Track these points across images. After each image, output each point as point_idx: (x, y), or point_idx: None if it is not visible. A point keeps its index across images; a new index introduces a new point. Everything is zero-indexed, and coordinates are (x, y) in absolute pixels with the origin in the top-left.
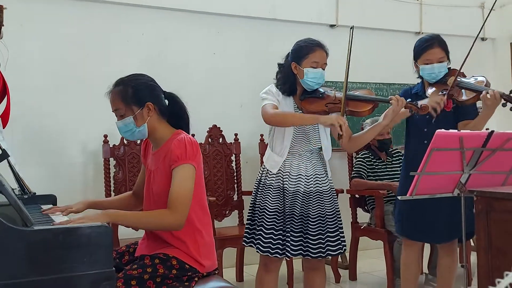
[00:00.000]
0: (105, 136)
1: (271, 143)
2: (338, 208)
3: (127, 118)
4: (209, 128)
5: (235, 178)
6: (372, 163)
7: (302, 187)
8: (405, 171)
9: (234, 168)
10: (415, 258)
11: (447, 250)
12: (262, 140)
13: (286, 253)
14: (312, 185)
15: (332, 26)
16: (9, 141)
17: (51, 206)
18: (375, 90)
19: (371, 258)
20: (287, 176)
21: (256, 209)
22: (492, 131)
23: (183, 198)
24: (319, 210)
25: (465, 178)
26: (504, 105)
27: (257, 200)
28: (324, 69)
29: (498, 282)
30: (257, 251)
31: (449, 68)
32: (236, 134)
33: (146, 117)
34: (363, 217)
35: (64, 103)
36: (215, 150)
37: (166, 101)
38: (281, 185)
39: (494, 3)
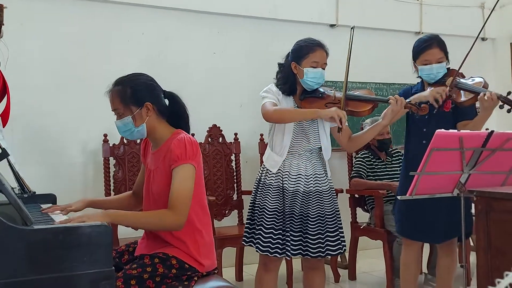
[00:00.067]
0: (105, 135)
1: (270, 143)
2: (338, 208)
3: (125, 118)
4: (209, 127)
5: (235, 177)
6: (372, 163)
7: (302, 186)
8: (404, 171)
9: (234, 167)
10: (414, 257)
11: (447, 250)
12: (262, 140)
13: (286, 252)
14: (311, 185)
15: (332, 26)
16: (9, 140)
17: (50, 205)
18: (375, 90)
19: (371, 258)
20: (286, 176)
21: (256, 208)
22: (492, 131)
23: (183, 198)
24: (319, 210)
25: (465, 178)
26: (501, 107)
27: (257, 200)
28: (324, 69)
29: (498, 282)
30: (256, 251)
31: (448, 69)
32: (236, 134)
33: (145, 117)
34: (363, 217)
35: (64, 103)
36: (215, 150)
37: (166, 101)
38: (281, 185)
39: (496, 3)
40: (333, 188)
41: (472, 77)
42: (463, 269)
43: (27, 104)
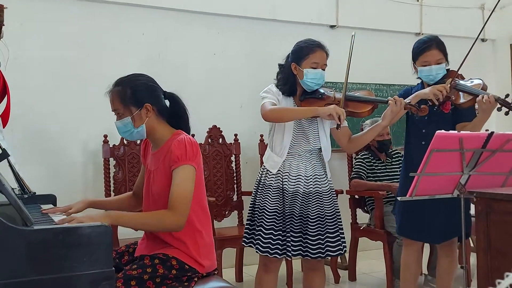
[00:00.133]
0: (105, 136)
1: (270, 143)
2: (338, 208)
3: (125, 118)
4: (209, 128)
5: (235, 178)
6: (372, 163)
7: (302, 187)
8: (404, 172)
9: (234, 168)
10: (415, 258)
11: (447, 251)
12: (262, 141)
13: (286, 253)
14: (311, 186)
15: (332, 26)
16: (9, 140)
17: (51, 206)
18: (375, 91)
19: (371, 259)
20: (286, 177)
21: (256, 209)
22: (492, 132)
23: (183, 199)
24: (319, 211)
25: (465, 179)
26: (499, 109)
27: (257, 200)
28: (324, 70)
29: (499, 283)
30: (256, 251)
31: (447, 70)
32: (236, 135)
33: (144, 118)
34: (363, 218)
35: (64, 103)
36: (215, 151)
37: (167, 102)
38: (281, 186)
39: (496, 4)
40: (333, 189)
41: (471, 78)
42: (463, 270)
43: (27, 104)
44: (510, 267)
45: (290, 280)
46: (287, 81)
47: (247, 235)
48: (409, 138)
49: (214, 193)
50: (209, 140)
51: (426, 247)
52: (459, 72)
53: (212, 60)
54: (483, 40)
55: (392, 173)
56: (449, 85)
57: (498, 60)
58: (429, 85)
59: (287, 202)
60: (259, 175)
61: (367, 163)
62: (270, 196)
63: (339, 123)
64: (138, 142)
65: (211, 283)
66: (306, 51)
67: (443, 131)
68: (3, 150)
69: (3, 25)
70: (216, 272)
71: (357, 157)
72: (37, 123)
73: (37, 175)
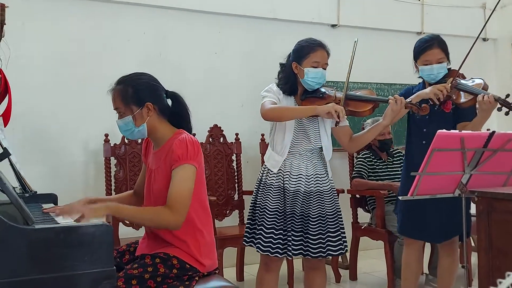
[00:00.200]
0: (106, 135)
1: (272, 142)
2: (339, 208)
3: (126, 117)
4: (210, 127)
5: (236, 177)
6: (373, 163)
7: (303, 186)
8: (405, 171)
9: (235, 167)
10: (416, 257)
11: (448, 250)
12: (263, 140)
13: (287, 252)
14: (312, 185)
15: (333, 26)
16: (10, 139)
17: (52, 205)
18: (376, 90)
19: (372, 258)
20: (287, 176)
21: (257, 208)
22: (493, 132)
23: (182, 198)
24: (320, 210)
25: (466, 179)
26: (499, 109)
27: (258, 200)
28: (325, 69)
29: (500, 282)
30: (257, 251)
31: (449, 69)
32: (237, 134)
33: (146, 117)
34: (364, 217)
35: (65, 102)
36: (216, 150)
37: (169, 101)
38: (282, 185)
39: (497, 4)
40: (334, 188)
41: (472, 78)
42: (465, 270)
43: (28, 103)
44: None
45: (291, 280)
46: (288, 80)
47: (247, 235)
48: (410, 138)
49: (215, 192)
50: (210, 140)
51: (427, 247)
52: (460, 72)
53: (212, 59)
54: (484, 39)
55: (393, 173)
56: (449, 85)
57: (499, 60)
58: (430, 84)
59: (288, 201)
60: (260, 175)
61: (368, 163)
62: (271, 195)
63: (338, 120)
64: (139, 141)
65: (212, 282)
66: (307, 50)
67: (444, 130)
68: (4, 149)
69: (4, 24)
70: (217, 272)
71: (358, 156)
72: (38, 122)
73: (38, 174)
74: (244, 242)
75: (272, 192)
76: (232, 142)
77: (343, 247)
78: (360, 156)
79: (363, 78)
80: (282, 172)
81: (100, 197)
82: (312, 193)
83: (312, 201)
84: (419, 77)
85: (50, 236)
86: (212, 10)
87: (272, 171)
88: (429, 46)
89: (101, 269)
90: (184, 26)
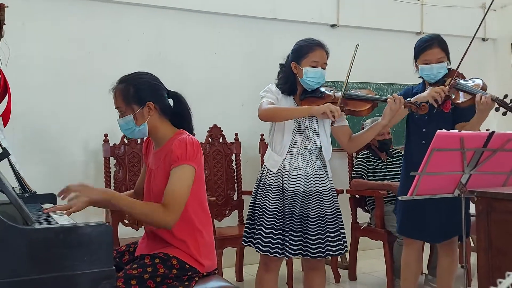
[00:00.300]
0: (106, 135)
1: (271, 143)
2: (339, 208)
3: (127, 116)
4: (209, 127)
5: (235, 177)
6: (372, 163)
7: (302, 186)
8: (405, 171)
9: (234, 167)
10: (415, 257)
11: (447, 250)
12: (262, 140)
13: (286, 252)
14: (311, 185)
15: (333, 26)
16: (9, 139)
17: (51, 205)
18: (375, 90)
19: (371, 259)
20: (286, 176)
21: (256, 208)
22: (493, 132)
23: (177, 198)
24: (319, 210)
25: (466, 179)
26: (497, 109)
27: (257, 200)
28: (324, 69)
29: (500, 282)
30: (256, 251)
31: (449, 69)
32: (236, 134)
33: (147, 116)
34: (363, 217)
35: (65, 102)
36: (216, 150)
37: (171, 101)
38: (281, 185)
39: (491, 4)
40: (333, 188)
41: (472, 78)
42: (464, 270)
43: (28, 103)
44: (511, 266)
45: (291, 280)
46: (287, 80)
47: (246, 235)
48: (409, 138)
49: (215, 192)
50: (210, 140)
51: (427, 247)
52: (459, 72)
53: (212, 59)
54: (484, 39)
55: (393, 173)
56: (447, 87)
57: (499, 60)
58: (430, 84)
59: (287, 201)
60: (260, 175)
61: (367, 163)
62: (270, 195)
63: (333, 119)
64: (139, 141)
65: (212, 283)
66: (306, 50)
67: (443, 130)
68: (4, 149)
69: (4, 24)
70: (216, 272)
71: (357, 156)
72: (38, 122)
73: (37, 174)
74: (243, 242)
75: (271, 192)
76: (231, 142)
77: (342, 247)
78: (360, 156)
79: (362, 78)
80: (281, 172)
81: None
82: (311, 193)
83: (311, 201)
84: (420, 77)
85: (49, 236)
86: (212, 10)
87: (271, 171)
88: (429, 46)
89: (101, 269)
90: (184, 26)
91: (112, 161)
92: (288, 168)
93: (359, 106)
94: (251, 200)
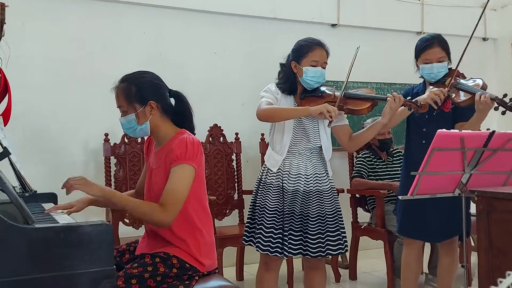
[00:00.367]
0: (106, 134)
1: (271, 142)
2: (339, 207)
3: (129, 115)
4: (210, 127)
5: (236, 177)
6: (373, 162)
7: (302, 186)
8: (405, 171)
9: (235, 167)
10: (415, 257)
11: (447, 250)
12: (262, 139)
13: (286, 252)
14: (311, 185)
15: (333, 25)
16: (10, 139)
17: (52, 204)
18: (376, 90)
19: (371, 258)
20: (286, 175)
21: (257, 208)
22: (493, 131)
23: (176, 197)
24: (319, 210)
25: (466, 178)
26: (496, 108)
27: (258, 199)
28: (324, 68)
29: (500, 282)
30: (257, 250)
31: (450, 69)
32: (236, 133)
33: (148, 115)
34: (364, 216)
35: (65, 102)
36: (216, 149)
37: (172, 100)
38: (281, 184)
39: (486, 3)
40: (334, 187)
41: (472, 78)
42: (464, 269)
43: (28, 103)
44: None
45: (291, 279)
46: (288, 80)
47: (247, 234)
48: (409, 137)
49: (215, 191)
50: (210, 139)
51: (427, 246)
52: (460, 71)
53: (213, 59)
54: (484, 39)
55: (393, 172)
56: (446, 89)
57: (499, 59)
58: (430, 84)
59: (286, 201)
60: (260, 174)
61: (368, 162)
62: (271, 194)
63: (330, 119)
64: (139, 140)
65: (212, 282)
66: (306, 49)
67: (444, 130)
68: (4, 148)
69: (4, 23)
70: (217, 271)
71: (358, 156)
72: (38, 121)
73: (38, 174)
74: (243, 242)
75: (271, 192)
76: (232, 142)
77: (342, 246)
78: (360, 155)
79: (363, 78)
80: (281, 172)
81: None
82: (312, 193)
83: (311, 201)
84: (420, 77)
85: (50, 235)
86: (213, 9)
87: (271, 171)
88: (430, 45)
89: (101, 268)
90: (185, 25)
91: (113, 160)
92: (288, 167)
93: (358, 105)
94: (252, 200)
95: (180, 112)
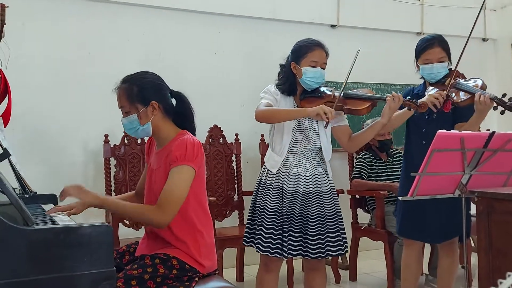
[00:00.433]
0: (106, 135)
1: (271, 143)
2: (339, 208)
3: (131, 115)
4: (209, 128)
5: (236, 178)
6: (373, 163)
7: (301, 187)
8: (405, 172)
9: (235, 168)
10: (415, 258)
11: (448, 251)
12: (262, 140)
13: (285, 253)
14: (311, 186)
15: (333, 26)
16: (10, 140)
17: (52, 205)
18: (376, 91)
19: (371, 259)
20: (286, 176)
21: (257, 208)
22: (493, 132)
23: (173, 198)
24: (319, 211)
25: (466, 179)
26: (495, 108)
27: (258, 200)
28: (323, 69)
29: (500, 282)
30: (257, 251)
31: (450, 69)
32: (236, 134)
33: (150, 115)
34: (364, 217)
35: (65, 103)
36: (216, 150)
37: (174, 100)
38: (280, 185)
39: (483, 4)
40: (334, 188)
41: (472, 78)
42: (464, 270)
43: (28, 104)
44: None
45: (291, 280)
46: (287, 80)
47: (247, 235)
48: (409, 138)
49: (215, 193)
50: (210, 140)
51: (427, 247)
52: (460, 72)
53: (212, 59)
54: (484, 39)
55: (393, 173)
56: (445, 92)
57: (499, 60)
58: (430, 84)
59: (286, 201)
60: (260, 175)
61: (368, 163)
62: (270, 195)
63: (326, 121)
64: (139, 141)
65: (212, 283)
66: (305, 50)
67: (444, 130)
68: (4, 149)
69: (5, 24)
70: (216, 272)
71: (358, 156)
72: (37, 122)
73: (38, 175)
74: (244, 243)
75: (271, 193)
76: (232, 143)
77: (342, 247)
78: (360, 156)
79: (363, 79)
80: (281, 172)
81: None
82: (311, 194)
83: (311, 202)
84: (421, 77)
85: (49, 236)
86: (212, 10)
87: (271, 171)
88: (430, 45)
89: (101, 269)
90: (184, 26)
91: (113, 161)
92: (288, 168)
93: (358, 105)
94: (252, 201)
95: (181, 113)
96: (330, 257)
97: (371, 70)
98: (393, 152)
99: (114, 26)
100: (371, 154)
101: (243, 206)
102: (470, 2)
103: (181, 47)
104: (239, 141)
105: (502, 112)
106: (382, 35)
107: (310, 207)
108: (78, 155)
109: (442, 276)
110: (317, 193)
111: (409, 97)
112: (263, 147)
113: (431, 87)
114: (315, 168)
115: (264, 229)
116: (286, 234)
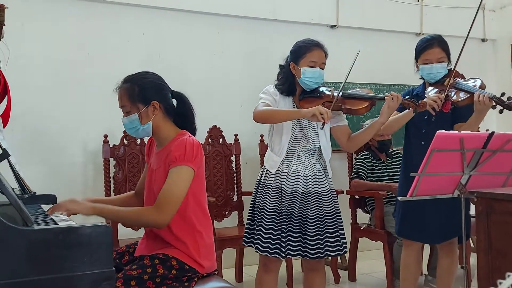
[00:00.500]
0: (105, 136)
1: (270, 143)
2: (339, 209)
3: (132, 115)
4: (209, 128)
5: (235, 178)
6: (372, 164)
7: (301, 187)
8: (404, 172)
9: (234, 168)
10: (414, 258)
11: (447, 251)
12: (262, 141)
13: (283, 253)
14: (310, 186)
15: (332, 27)
16: (9, 140)
17: (51, 206)
18: (375, 91)
19: (371, 259)
20: (285, 176)
21: (256, 209)
22: (493, 132)
23: (171, 198)
24: (318, 211)
25: (466, 179)
26: (494, 107)
27: (257, 200)
28: (323, 69)
29: (500, 283)
30: (256, 251)
31: (449, 70)
32: (236, 135)
33: (151, 115)
34: (363, 218)
35: (65, 103)
36: (215, 151)
37: (174, 101)
38: (279, 185)
39: (480, 4)
40: (333, 189)
41: (471, 78)
42: (464, 270)
43: (28, 104)
44: (511, 267)
45: (290, 280)
46: (286, 81)
47: (247, 235)
48: (408, 138)
49: (214, 193)
50: (209, 140)
51: (426, 247)
52: (459, 72)
53: (212, 60)
54: (483, 40)
55: (393, 173)
56: (443, 94)
57: (498, 60)
58: (430, 84)
59: (285, 202)
60: (260, 175)
61: (367, 163)
62: (270, 196)
63: (322, 121)
64: (139, 142)
65: (211, 283)
66: (304, 50)
67: (443, 131)
68: (4, 150)
69: (4, 25)
70: (216, 273)
71: (357, 157)
72: (37, 123)
73: (37, 175)
74: (244, 243)
75: (270, 193)
76: (231, 143)
77: (341, 248)
78: (359, 157)
79: (362, 79)
80: (280, 173)
81: (99, 198)
82: (310, 194)
83: (310, 202)
84: (421, 78)
85: (49, 237)
86: (212, 11)
87: (270, 172)
88: (430, 45)
89: (100, 270)
90: (184, 27)
91: (112, 162)
92: (287, 168)
93: (357, 104)
94: (251, 201)
95: (182, 113)
96: (329, 258)
97: (371, 71)
98: (393, 153)
99: (114, 26)
100: (370, 155)
101: (242, 206)
102: (469, 3)
103: (181, 47)
104: (239, 141)
105: (501, 111)
106: (382, 35)
107: (309, 207)
108: (77, 156)
109: (442, 277)
110: (316, 194)
111: (408, 96)
112: (263, 147)
113: (430, 87)
114: (314, 168)
115: (263, 229)
116: (285, 235)
